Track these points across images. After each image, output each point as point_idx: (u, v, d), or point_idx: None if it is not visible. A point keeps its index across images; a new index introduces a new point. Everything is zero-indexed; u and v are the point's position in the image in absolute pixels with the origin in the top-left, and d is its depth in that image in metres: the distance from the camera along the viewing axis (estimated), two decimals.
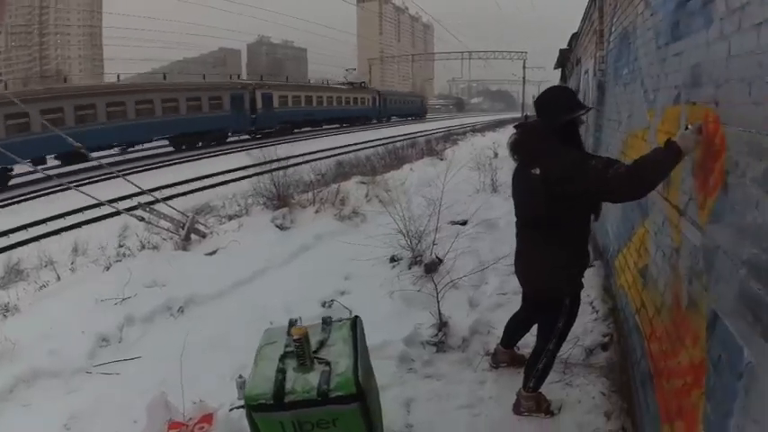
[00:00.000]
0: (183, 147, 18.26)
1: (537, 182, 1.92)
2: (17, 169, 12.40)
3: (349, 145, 17.62)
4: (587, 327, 2.96)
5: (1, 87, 17.93)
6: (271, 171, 6.30)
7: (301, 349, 1.51)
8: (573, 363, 2.66)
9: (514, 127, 2.18)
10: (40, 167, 8.12)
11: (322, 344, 1.67)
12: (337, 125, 30.40)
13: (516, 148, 2.07)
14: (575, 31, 8.07)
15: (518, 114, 47.65)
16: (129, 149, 17.53)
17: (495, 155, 10.38)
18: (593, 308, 3.21)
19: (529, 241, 2.16)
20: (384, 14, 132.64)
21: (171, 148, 18.51)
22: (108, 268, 4.28)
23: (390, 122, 36.17)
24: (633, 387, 2.19)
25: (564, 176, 1.81)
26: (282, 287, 3.64)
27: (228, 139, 20.77)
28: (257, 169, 7.06)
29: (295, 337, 1.50)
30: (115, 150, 16.60)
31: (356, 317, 1.89)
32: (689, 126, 1.67)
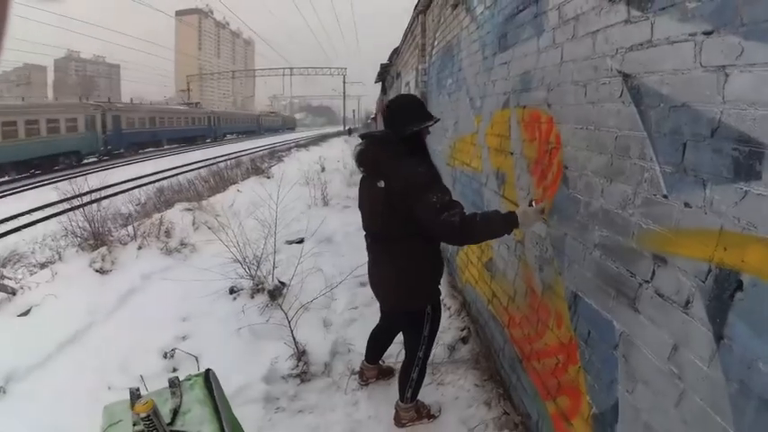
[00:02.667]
0: None
1: (382, 195, 1.82)
2: None
3: (170, 169, 15.77)
4: (444, 325, 3.07)
5: None
6: (82, 206, 5.28)
7: (153, 428, 1.20)
8: (438, 362, 2.70)
9: (360, 137, 2.05)
10: None
11: (176, 413, 1.37)
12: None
13: (362, 159, 1.93)
14: (396, 46, 8.75)
15: (340, 128, 49.82)
16: None
17: (323, 169, 10.61)
18: (444, 305, 3.38)
19: (380, 255, 2.01)
20: (204, 30, 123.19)
21: None
22: None
23: (219, 142, 29.50)
24: (503, 372, 2.33)
25: (404, 192, 1.74)
26: (114, 341, 3.09)
27: None
28: (68, 204, 5.88)
29: (142, 416, 1.19)
30: None
31: (208, 370, 1.58)
32: (533, 203, 1.73)
